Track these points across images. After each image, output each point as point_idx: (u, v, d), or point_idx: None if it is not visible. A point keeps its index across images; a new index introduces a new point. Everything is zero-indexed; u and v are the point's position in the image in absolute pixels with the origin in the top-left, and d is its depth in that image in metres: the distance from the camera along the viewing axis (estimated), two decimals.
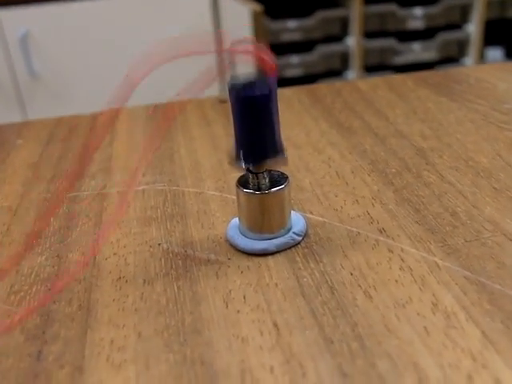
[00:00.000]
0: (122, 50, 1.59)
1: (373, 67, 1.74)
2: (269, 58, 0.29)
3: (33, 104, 1.62)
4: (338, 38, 1.71)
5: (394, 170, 0.41)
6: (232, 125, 0.31)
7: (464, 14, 1.75)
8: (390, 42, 1.72)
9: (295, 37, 1.66)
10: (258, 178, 0.32)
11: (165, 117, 0.31)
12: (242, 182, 0.32)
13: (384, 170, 0.41)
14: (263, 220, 0.32)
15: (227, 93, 0.30)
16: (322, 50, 1.68)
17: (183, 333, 0.27)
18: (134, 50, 1.59)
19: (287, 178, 0.32)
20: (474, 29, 1.73)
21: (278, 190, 0.32)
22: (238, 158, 0.31)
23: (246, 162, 0.31)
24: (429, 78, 0.60)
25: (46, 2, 1.50)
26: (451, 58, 1.79)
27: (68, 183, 0.34)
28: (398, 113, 0.51)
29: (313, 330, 0.27)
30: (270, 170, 0.32)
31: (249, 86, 0.29)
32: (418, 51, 1.75)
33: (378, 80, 0.61)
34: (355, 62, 1.68)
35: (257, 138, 0.30)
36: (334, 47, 1.70)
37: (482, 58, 1.77)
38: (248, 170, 0.32)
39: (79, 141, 0.51)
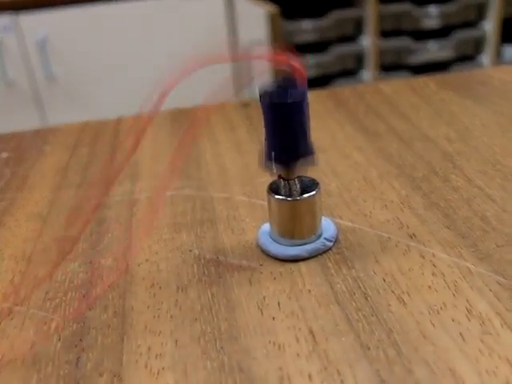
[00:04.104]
0: (138, 53, 1.61)
1: (388, 67, 1.73)
2: (299, 64, 0.29)
3: (51, 106, 1.64)
4: (353, 38, 1.71)
5: (421, 174, 0.41)
6: (264, 129, 0.31)
7: (480, 11, 1.74)
8: (405, 42, 1.71)
9: (310, 37, 1.66)
10: (289, 185, 0.32)
11: (193, 123, 0.32)
12: (273, 189, 0.32)
13: (411, 174, 0.41)
14: (295, 226, 0.32)
15: (259, 99, 0.30)
16: (337, 50, 1.68)
17: (220, 340, 0.27)
18: (150, 53, 1.60)
19: (318, 184, 0.33)
20: (490, 27, 1.72)
21: (309, 197, 0.32)
22: (268, 160, 0.31)
23: (278, 163, 0.31)
24: (451, 79, 0.60)
25: (64, 7, 1.51)
26: (467, 56, 1.78)
27: (104, 188, 0.35)
28: (422, 116, 0.51)
29: (349, 336, 0.27)
30: (301, 177, 0.32)
31: (280, 92, 0.29)
32: (433, 50, 1.74)
33: (400, 82, 0.61)
34: (370, 62, 1.68)
35: (288, 142, 0.30)
36: (348, 47, 1.69)
37: (498, 57, 1.76)
38: (279, 176, 0.32)
39: (105, 146, 0.52)
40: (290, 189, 0.32)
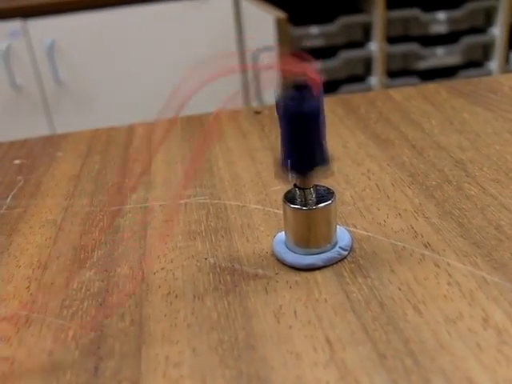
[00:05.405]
0: (145, 58, 1.61)
1: (396, 72, 1.73)
2: (314, 73, 0.29)
3: (58, 111, 1.65)
4: (361, 43, 1.71)
5: (434, 183, 0.41)
6: (279, 138, 0.31)
7: (488, 17, 1.74)
8: (413, 47, 1.71)
9: (318, 43, 1.67)
10: (305, 194, 0.32)
11: (206, 131, 0.32)
12: (289, 198, 0.33)
13: (424, 182, 0.41)
14: (310, 235, 0.33)
15: (276, 108, 0.30)
16: (345, 55, 1.68)
17: (237, 348, 0.27)
18: (157, 58, 1.61)
19: (333, 193, 0.33)
20: (498, 32, 1.71)
21: (325, 206, 0.32)
22: (284, 169, 0.31)
23: (294, 172, 0.31)
24: (462, 86, 0.60)
25: (72, 12, 1.52)
26: (475, 62, 1.78)
27: (122, 195, 0.35)
28: (433, 123, 0.51)
29: (365, 345, 0.27)
30: (317, 186, 0.33)
31: (297, 102, 0.29)
32: (441, 56, 1.74)
33: (411, 89, 0.61)
34: (378, 68, 1.68)
35: (305, 151, 0.30)
36: (356, 53, 1.70)
37: (506, 62, 1.76)
38: (295, 185, 0.32)
39: (117, 153, 0.52)
40: (305, 198, 0.32)
